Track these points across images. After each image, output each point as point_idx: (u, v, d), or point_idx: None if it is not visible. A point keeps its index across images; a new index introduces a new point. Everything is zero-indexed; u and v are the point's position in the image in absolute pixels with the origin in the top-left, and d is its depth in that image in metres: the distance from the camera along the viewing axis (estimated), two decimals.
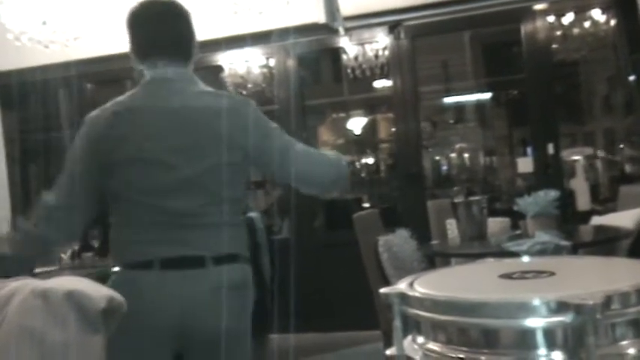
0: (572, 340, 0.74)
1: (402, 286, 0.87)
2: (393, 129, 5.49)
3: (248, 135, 1.85)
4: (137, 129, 1.84)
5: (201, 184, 1.82)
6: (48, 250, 2.04)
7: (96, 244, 4.65)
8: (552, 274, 0.88)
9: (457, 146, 7.88)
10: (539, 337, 0.77)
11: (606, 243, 3.41)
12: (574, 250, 3.02)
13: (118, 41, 5.81)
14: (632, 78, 4.91)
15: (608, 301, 0.72)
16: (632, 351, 0.76)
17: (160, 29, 1.98)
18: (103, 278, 1.87)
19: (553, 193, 3.31)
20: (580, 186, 4.79)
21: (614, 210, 4.19)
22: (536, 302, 0.75)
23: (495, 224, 3.52)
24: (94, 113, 1.93)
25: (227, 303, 1.79)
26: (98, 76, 5.99)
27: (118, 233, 1.89)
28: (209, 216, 1.83)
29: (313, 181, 1.96)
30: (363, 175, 7.73)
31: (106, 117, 1.88)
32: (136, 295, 1.72)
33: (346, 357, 4.41)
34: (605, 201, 5.12)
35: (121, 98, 1.93)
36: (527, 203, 3.32)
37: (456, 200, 3.67)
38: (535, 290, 0.83)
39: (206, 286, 1.78)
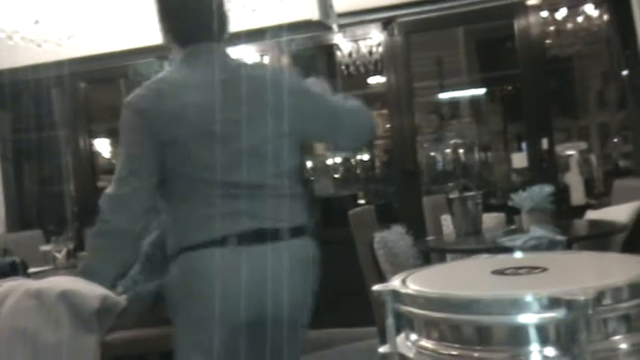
0: (564, 335, 0.74)
1: (394, 283, 0.87)
2: (388, 125, 5.48)
3: (299, 103, 1.84)
4: (189, 103, 1.76)
5: (264, 154, 1.77)
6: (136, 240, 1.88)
7: None
8: (545, 269, 0.88)
9: (452, 142, 7.88)
10: (532, 333, 0.77)
11: (601, 237, 3.42)
12: (569, 244, 3.03)
13: (111, 40, 5.82)
14: (625, 73, 4.91)
15: (600, 297, 0.72)
16: (624, 346, 0.76)
17: (195, 5, 1.93)
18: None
19: (547, 188, 3.32)
20: (574, 180, 4.79)
21: (608, 204, 4.20)
22: (529, 298, 0.75)
23: (490, 219, 3.53)
24: (138, 93, 1.84)
25: (301, 276, 1.79)
26: (92, 74, 5.98)
27: (180, 213, 1.78)
28: (276, 187, 1.79)
29: (358, 138, 1.98)
30: (358, 171, 7.73)
31: (153, 95, 1.80)
32: (209, 273, 1.67)
33: (342, 353, 4.41)
34: (600, 195, 5.13)
35: (161, 75, 1.90)
36: (521, 198, 3.32)
37: (451, 196, 3.67)
38: (527, 286, 0.83)
39: (284, 259, 1.72)
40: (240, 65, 1.92)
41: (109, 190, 1.81)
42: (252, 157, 1.76)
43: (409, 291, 0.85)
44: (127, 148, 1.81)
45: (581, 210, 4.38)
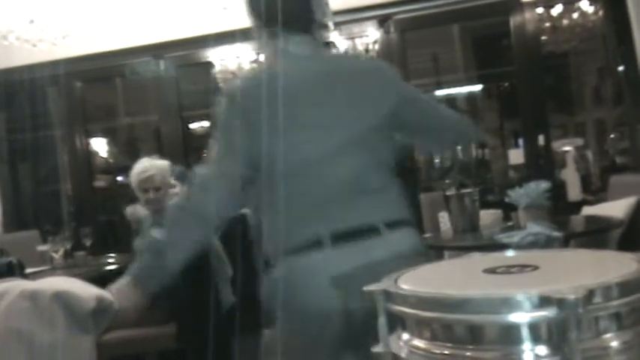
0: (555, 334, 0.74)
1: (386, 283, 0.87)
2: None
3: (395, 95, 1.79)
4: (286, 96, 1.66)
5: (361, 146, 1.70)
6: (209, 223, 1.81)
7: (88, 242, 4.64)
8: (536, 268, 0.88)
9: None
10: (524, 332, 0.77)
11: (597, 233, 3.42)
12: (566, 240, 3.03)
13: (106, 39, 5.81)
14: (621, 68, 4.92)
15: (590, 295, 0.72)
16: (615, 344, 0.76)
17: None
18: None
19: (544, 185, 3.32)
20: (571, 177, 4.80)
21: (604, 200, 4.21)
22: (519, 297, 0.75)
23: (487, 216, 3.53)
24: (236, 84, 1.81)
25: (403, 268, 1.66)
26: (87, 74, 5.97)
27: (275, 217, 1.67)
28: (374, 180, 1.72)
29: (452, 140, 1.99)
30: None
31: (253, 85, 1.73)
32: (308, 279, 1.60)
33: None
34: (596, 191, 5.13)
35: (258, 68, 1.84)
36: (518, 195, 3.33)
37: (449, 193, 3.68)
38: (519, 285, 0.83)
39: (383, 255, 1.59)
40: (339, 56, 1.90)
41: (201, 169, 1.77)
42: (349, 149, 1.68)
43: (400, 291, 0.85)
44: (223, 135, 1.75)
45: (577, 206, 4.39)
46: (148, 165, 3.58)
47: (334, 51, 1.89)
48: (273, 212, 1.68)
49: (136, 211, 4.15)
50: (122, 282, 1.73)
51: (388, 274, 1.50)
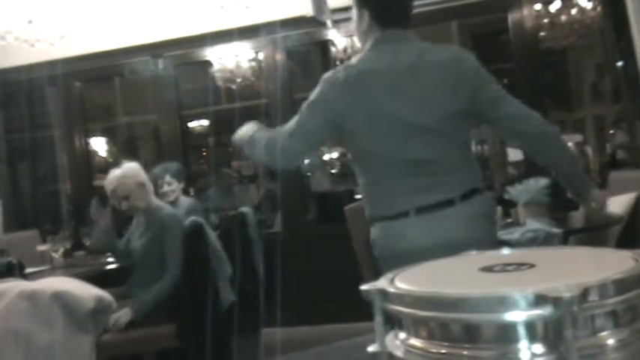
0: (552, 332, 0.74)
1: (382, 282, 0.87)
2: None
3: (472, 83, 2.03)
4: (377, 89, 1.99)
5: (439, 132, 1.98)
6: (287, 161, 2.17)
7: (87, 242, 4.64)
8: (532, 266, 0.87)
9: None
10: (520, 331, 0.77)
11: (597, 229, 3.42)
12: (565, 237, 3.04)
13: (105, 38, 5.80)
14: (619, 64, 4.91)
15: (585, 293, 0.72)
16: (611, 342, 0.76)
17: None
18: None
19: (543, 181, 3.32)
20: None
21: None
22: (515, 296, 0.75)
23: None
24: (335, 71, 2.07)
25: (480, 230, 1.98)
26: (86, 73, 5.97)
27: (371, 191, 2.06)
28: (450, 160, 2.01)
29: (520, 133, 2.12)
30: None
31: (346, 80, 2.01)
32: (399, 238, 1.95)
33: (339, 349, 4.41)
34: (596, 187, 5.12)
35: (354, 61, 2.09)
36: (518, 191, 3.33)
37: None
38: (515, 283, 0.83)
39: (459, 220, 1.95)
40: (427, 49, 2.09)
41: (286, 128, 2.10)
42: (428, 135, 1.98)
43: (397, 290, 0.84)
44: (307, 111, 2.08)
45: (577, 202, 4.38)
46: (112, 178, 3.55)
47: (426, 45, 2.08)
48: (369, 188, 2.06)
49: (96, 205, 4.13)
50: None
51: (463, 235, 1.88)
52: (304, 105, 2.09)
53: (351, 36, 5.43)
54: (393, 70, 2.01)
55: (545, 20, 5.08)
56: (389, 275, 0.92)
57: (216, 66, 5.68)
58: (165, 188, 4.17)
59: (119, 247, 3.67)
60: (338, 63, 5.47)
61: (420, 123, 1.97)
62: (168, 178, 4.19)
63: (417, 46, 2.08)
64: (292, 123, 2.09)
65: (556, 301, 0.70)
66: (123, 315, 3.13)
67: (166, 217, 3.48)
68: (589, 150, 6.07)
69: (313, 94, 2.08)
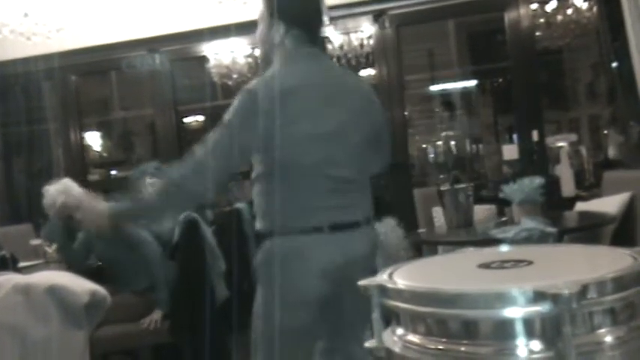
0: (549, 329, 0.74)
1: (380, 277, 0.87)
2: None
3: (379, 115, 2.14)
4: (304, 104, 1.94)
5: (357, 154, 2.02)
6: (195, 202, 2.16)
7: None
8: (530, 263, 0.88)
9: (443, 134, 7.90)
10: (518, 327, 0.77)
11: (591, 229, 3.43)
12: (559, 236, 3.04)
13: (101, 32, 5.77)
14: (614, 65, 4.93)
15: (584, 290, 0.72)
16: (608, 339, 0.76)
17: (310, 3, 2.10)
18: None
19: (538, 180, 3.32)
20: (565, 172, 4.81)
21: (598, 196, 4.21)
22: (514, 292, 0.75)
23: (481, 211, 3.53)
24: (253, 86, 1.96)
25: (372, 258, 2.04)
26: (82, 67, 5.95)
27: (281, 199, 1.95)
28: (363, 182, 2.06)
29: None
30: None
31: (267, 91, 1.92)
32: (305, 255, 1.91)
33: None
34: (590, 187, 5.15)
35: (273, 72, 2.00)
36: (512, 190, 3.33)
37: (443, 188, 3.68)
38: (513, 280, 0.83)
39: (362, 243, 1.99)
40: (342, 70, 2.14)
41: (197, 152, 1.95)
42: (350, 156, 2.00)
43: (395, 285, 0.85)
44: (227, 129, 1.95)
45: (571, 202, 4.40)
46: (54, 194, 3.50)
47: (335, 64, 2.08)
48: (278, 197, 1.95)
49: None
50: (100, 203, 1.99)
51: (361, 259, 1.92)
52: (224, 123, 1.97)
53: (347, 33, 5.43)
54: (320, 86, 1.99)
55: (542, 20, 5.09)
56: (387, 270, 0.92)
57: (213, 62, 5.66)
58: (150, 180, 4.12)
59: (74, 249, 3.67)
60: (334, 60, 5.48)
61: (343, 141, 1.98)
62: (148, 178, 4.15)
63: (335, 66, 2.13)
64: (201, 153, 1.95)
65: (555, 298, 0.70)
66: (155, 314, 3.31)
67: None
68: (583, 150, 6.08)
69: (237, 108, 1.96)
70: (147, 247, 3.43)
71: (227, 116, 1.96)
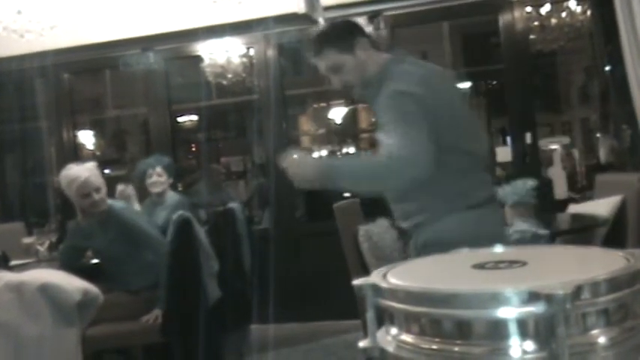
0: (543, 329, 0.75)
1: (374, 277, 0.87)
2: (374, 119, 5.48)
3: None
4: (445, 93, 2.16)
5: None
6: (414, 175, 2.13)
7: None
8: (524, 263, 0.88)
9: None
10: (512, 328, 0.78)
11: (583, 231, 3.45)
12: (552, 238, 3.05)
13: (95, 30, 5.76)
14: (608, 68, 4.95)
15: (578, 291, 0.72)
16: (602, 340, 0.77)
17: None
18: None
19: (531, 182, 3.34)
20: (557, 175, 4.83)
21: (590, 198, 4.23)
22: (508, 293, 0.75)
23: None
24: (416, 81, 2.09)
25: None
26: (75, 65, 5.92)
27: (454, 180, 2.11)
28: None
29: None
30: None
31: (427, 84, 2.09)
32: (488, 227, 2.08)
33: (328, 346, 4.42)
34: (582, 189, 5.17)
35: (415, 67, 2.18)
36: (505, 192, 3.34)
37: None
38: (507, 280, 0.84)
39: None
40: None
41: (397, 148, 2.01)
42: (480, 134, 2.33)
43: (389, 285, 0.85)
44: (414, 122, 2.04)
45: (563, 204, 4.42)
46: (79, 170, 3.48)
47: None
48: (451, 178, 2.10)
49: (126, 190, 4.11)
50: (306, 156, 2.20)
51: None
52: (405, 120, 2.05)
53: None
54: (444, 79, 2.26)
55: (536, 23, 5.11)
56: (381, 270, 0.92)
57: (207, 61, 5.65)
58: (155, 178, 4.10)
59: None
60: None
61: (477, 123, 2.39)
62: (159, 169, 4.14)
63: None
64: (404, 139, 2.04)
65: (549, 298, 0.70)
66: (155, 312, 3.30)
67: (122, 210, 3.55)
68: (576, 152, 6.10)
69: (409, 102, 2.06)
70: (157, 245, 3.42)
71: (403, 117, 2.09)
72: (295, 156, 2.07)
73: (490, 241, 2.02)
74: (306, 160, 2.11)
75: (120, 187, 4.19)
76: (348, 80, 2.24)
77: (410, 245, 2.24)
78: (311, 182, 2.04)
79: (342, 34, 2.22)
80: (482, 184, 2.16)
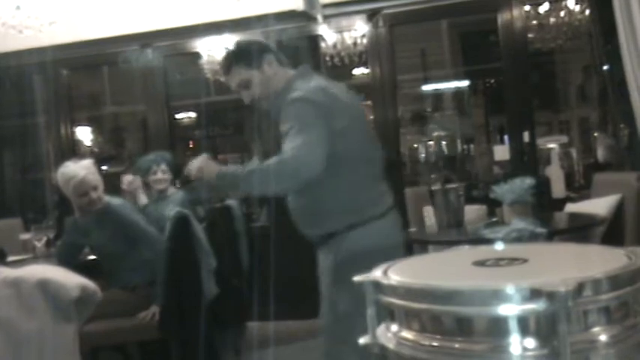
0: (544, 327, 0.74)
1: (376, 274, 0.87)
2: (372, 117, 5.48)
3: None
4: (344, 104, 2.23)
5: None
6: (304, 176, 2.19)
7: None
8: (525, 261, 0.88)
9: (435, 134, 7.92)
10: (512, 325, 0.78)
11: (581, 230, 3.45)
12: (549, 237, 3.05)
13: (93, 26, 5.75)
14: (606, 67, 4.95)
15: (580, 289, 0.72)
16: (603, 337, 0.77)
17: None
18: None
19: (529, 181, 3.34)
20: (555, 173, 4.83)
21: (588, 197, 4.24)
22: (509, 290, 0.75)
23: (472, 212, 3.54)
24: (313, 89, 2.19)
25: None
26: (74, 61, 5.91)
27: (347, 190, 2.19)
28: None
29: None
30: None
31: (325, 93, 2.18)
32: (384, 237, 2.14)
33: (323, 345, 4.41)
34: (580, 188, 5.17)
35: (318, 80, 2.27)
36: (503, 191, 3.34)
37: (434, 188, 3.69)
38: (508, 278, 0.83)
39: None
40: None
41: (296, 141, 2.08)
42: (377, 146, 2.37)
43: (390, 282, 0.85)
44: (311, 126, 2.12)
45: (561, 203, 4.42)
46: (75, 168, 3.46)
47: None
48: (343, 187, 2.19)
49: (135, 181, 4.08)
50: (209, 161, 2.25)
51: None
52: (300, 123, 2.12)
53: (341, 32, 5.43)
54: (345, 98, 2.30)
55: (534, 21, 5.11)
56: (382, 266, 0.92)
57: (206, 58, 5.64)
58: (159, 175, 4.09)
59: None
60: (327, 58, 5.47)
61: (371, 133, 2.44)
62: (163, 166, 4.13)
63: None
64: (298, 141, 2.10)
65: (550, 296, 0.70)
66: (153, 308, 3.31)
67: (120, 207, 3.53)
68: (574, 151, 6.11)
69: (307, 108, 2.14)
70: (155, 242, 3.42)
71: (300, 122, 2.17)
72: (197, 160, 2.21)
73: (399, 249, 2.10)
74: (208, 164, 2.23)
75: (128, 178, 4.15)
76: (256, 95, 2.33)
77: (320, 254, 2.44)
78: (212, 186, 2.20)
79: (249, 51, 2.32)
80: (386, 193, 2.27)
